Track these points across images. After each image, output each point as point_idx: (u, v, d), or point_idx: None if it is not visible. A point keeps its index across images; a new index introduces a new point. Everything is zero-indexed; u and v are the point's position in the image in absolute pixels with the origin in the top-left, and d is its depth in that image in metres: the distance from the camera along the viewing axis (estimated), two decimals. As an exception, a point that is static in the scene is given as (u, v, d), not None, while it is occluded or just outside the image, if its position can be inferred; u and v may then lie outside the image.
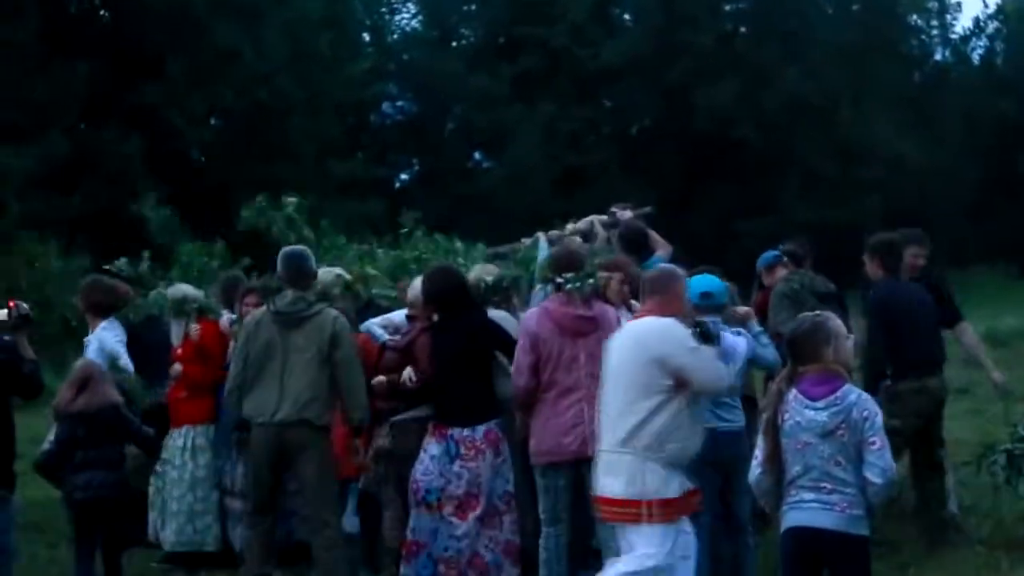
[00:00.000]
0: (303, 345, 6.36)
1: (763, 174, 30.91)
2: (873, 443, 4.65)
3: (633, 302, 6.38)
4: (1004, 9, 36.71)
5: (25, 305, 5.58)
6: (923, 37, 36.97)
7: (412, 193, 31.75)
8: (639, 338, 5.40)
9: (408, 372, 6.62)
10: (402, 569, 6.26)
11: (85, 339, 7.71)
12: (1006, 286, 26.20)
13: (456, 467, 6.20)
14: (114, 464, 6.50)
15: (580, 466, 5.98)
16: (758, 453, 4.89)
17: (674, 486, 5.25)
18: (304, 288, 6.54)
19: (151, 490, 7.73)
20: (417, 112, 34.84)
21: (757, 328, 6.44)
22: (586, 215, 8.75)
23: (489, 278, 6.94)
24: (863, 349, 6.91)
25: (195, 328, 7.65)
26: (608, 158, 31.32)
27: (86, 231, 20.72)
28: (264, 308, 6.61)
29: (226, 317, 7.61)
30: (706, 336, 5.63)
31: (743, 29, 35.24)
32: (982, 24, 37.01)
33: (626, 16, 35.44)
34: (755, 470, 4.89)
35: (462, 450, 6.21)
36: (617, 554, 5.77)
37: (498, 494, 6.26)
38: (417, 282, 6.83)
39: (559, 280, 6.18)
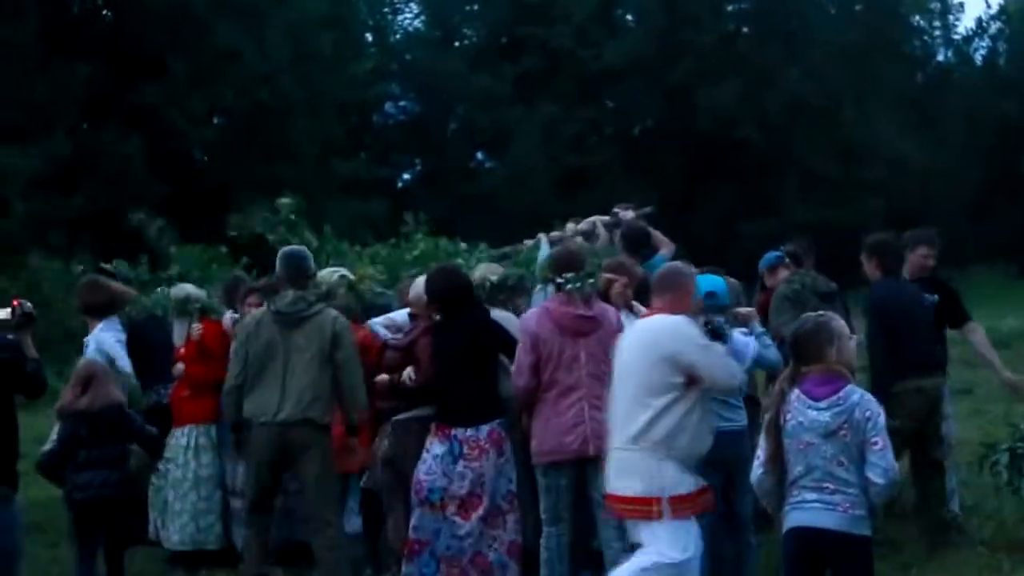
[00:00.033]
0: (304, 345, 6.37)
1: (765, 174, 30.89)
2: (875, 443, 4.65)
3: (635, 303, 6.39)
4: (1007, 10, 36.67)
5: (29, 304, 5.58)
6: (925, 38, 36.94)
7: (414, 193, 31.76)
8: (650, 336, 5.41)
9: (408, 372, 6.63)
10: (405, 568, 6.26)
11: (85, 339, 7.72)
12: (1006, 286, 26.20)
13: (460, 467, 6.20)
14: (117, 463, 6.51)
15: (581, 465, 5.99)
16: (760, 453, 4.89)
17: (688, 482, 5.28)
18: (303, 288, 6.55)
19: (151, 489, 7.73)
20: (419, 112, 34.83)
21: (759, 329, 6.45)
22: (588, 216, 8.76)
23: (494, 277, 6.96)
24: (866, 349, 6.91)
25: (197, 327, 7.66)
26: (610, 158, 31.31)
27: (87, 231, 20.72)
28: (264, 308, 6.63)
29: (228, 316, 7.62)
30: (716, 333, 5.64)
31: (745, 29, 35.20)
32: (984, 25, 37.00)
33: (628, 17, 35.40)
34: (757, 470, 4.89)
35: (465, 450, 6.21)
36: (623, 553, 5.79)
37: (501, 494, 6.26)
38: (420, 281, 6.83)
39: (559, 280, 6.19)
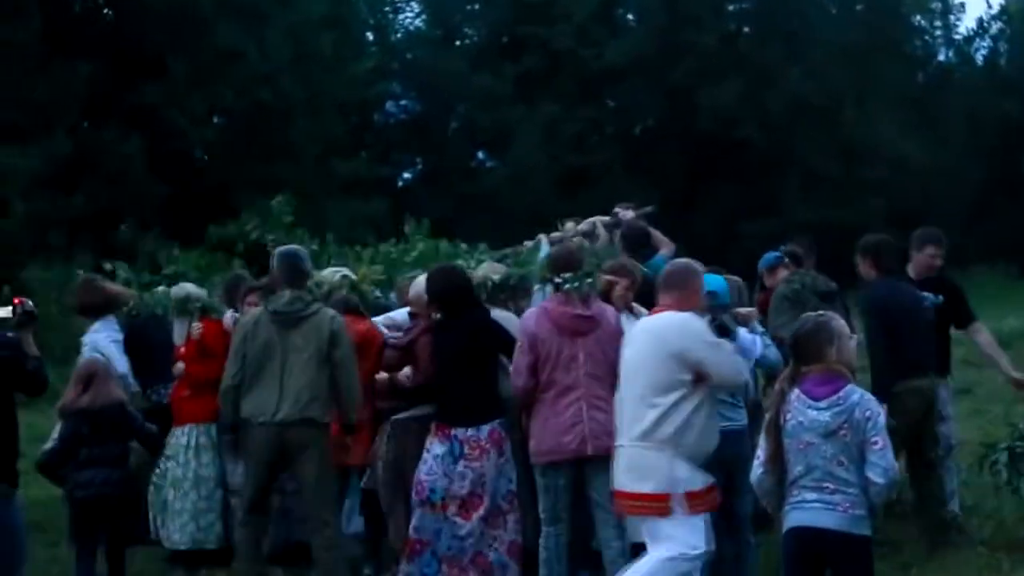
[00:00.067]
0: (302, 345, 6.37)
1: (766, 174, 30.87)
2: (875, 443, 4.66)
3: (635, 305, 6.40)
4: (1008, 10, 36.62)
5: (30, 302, 5.59)
6: (926, 37, 36.90)
7: (415, 193, 31.76)
8: (658, 333, 5.42)
9: (405, 371, 6.63)
10: (406, 567, 6.26)
11: (82, 339, 7.72)
12: (1007, 286, 26.16)
13: (460, 467, 6.20)
14: (118, 461, 6.52)
15: (580, 465, 5.99)
16: (760, 453, 4.89)
17: (699, 479, 5.30)
18: (300, 287, 6.55)
19: (151, 489, 7.74)
20: (420, 111, 34.81)
21: (759, 329, 6.46)
22: (589, 215, 8.79)
23: (496, 276, 6.96)
24: (865, 349, 6.91)
25: (197, 327, 7.67)
26: (611, 158, 31.29)
27: (87, 231, 20.72)
28: (261, 308, 6.62)
29: (229, 315, 7.62)
30: (724, 330, 5.64)
31: (746, 29, 35.18)
32: (986, 25, 36.95)
33: (629, 16, 35.37)
34: (757, 470, 4.90)
35: (466, 450, 6.21)
36: (622, 553, 5.81)
37: (502, 494, 6.27)
38: (420, 280, 6.83)
39: (557, 280, 6.19)
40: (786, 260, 8.29)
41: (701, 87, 30.57)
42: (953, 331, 7.66)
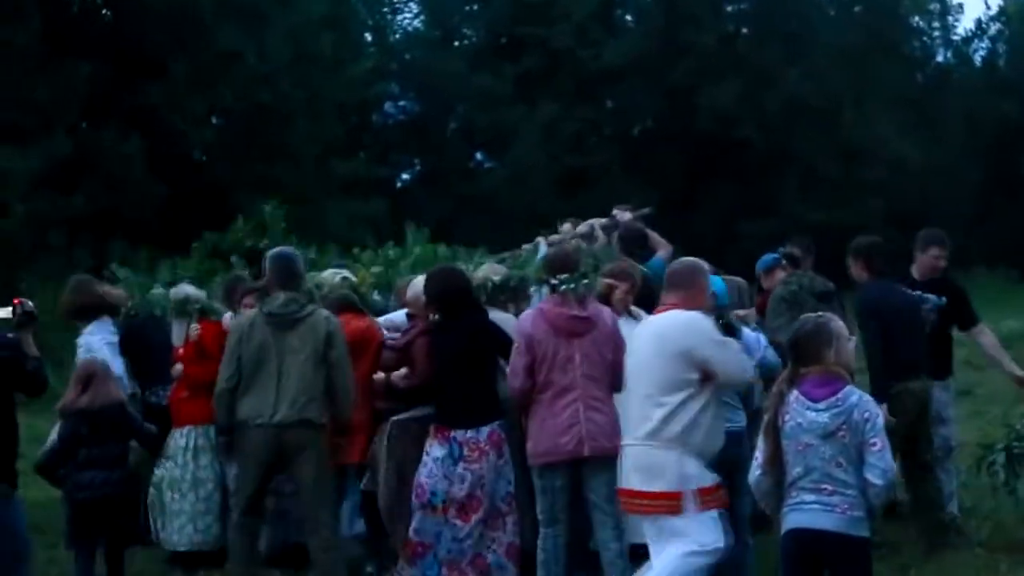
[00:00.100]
0: (298, 346, 6.36)
1: (765, 175, 30.86)
2: (874, 444, 4.66)
3: (634, 308, 6.40)
4: (1006, 11, 36.62)
5: (30, 303, 5.59)
6: (925, 39, 36.89)
7: (414, 193, 31.75)
8: (664, 332, 5.42)
9: (400, 372, 6.63)
10: (408, 570, 6.26)
11: (77, 341, 7.71)
12: (1007, 289, 26.13)
13: (459, 469, 6.20)
14: (117, 462, 6.53)
15: (577, 466, 6.00)
16: (758, 455, 4.90)
17: (708, 476, 5.31)
18: (294, 289, 6.54)
19: (151, 490, 7.73)
20: (419, 112, 34.79)
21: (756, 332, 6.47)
22: (588, 215, 8.81)
23: (496, 277, 6.96)
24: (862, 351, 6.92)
25: (195, 328, 7.66)
26: (610, 159, 31.27)
27: (87, 231, 20.71)
28: (255, 310, 6.61)
29: (228, 317, 7.62)
30: (729, 329, 5.65)
31: (745, 30, 35.16)
32: (984, 26, 36.93)
33: (628, 17, 35.38)
34: (755, 471, 4.90)
35: (465, 452, 6.21)
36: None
37: (500, 496, 6.27)
38: (418, 281, 6.83)
39: (553, 281, 6.19)
40: (783, 262, 8.29)
41: (700, 88, 30.56)
42: (954, 332, 7.66)
